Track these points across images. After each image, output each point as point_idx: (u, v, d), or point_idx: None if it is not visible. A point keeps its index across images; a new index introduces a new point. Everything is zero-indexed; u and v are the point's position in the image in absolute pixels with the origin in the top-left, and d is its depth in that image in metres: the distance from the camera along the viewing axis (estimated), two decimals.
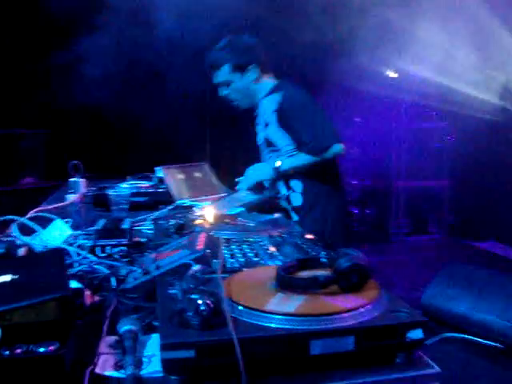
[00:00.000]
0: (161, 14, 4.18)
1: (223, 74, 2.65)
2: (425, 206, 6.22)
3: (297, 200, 2.64)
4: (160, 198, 2.74)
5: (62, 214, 2.51)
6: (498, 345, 1.33)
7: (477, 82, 5.51)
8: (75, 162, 2.98)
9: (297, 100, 2.56)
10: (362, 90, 5.44)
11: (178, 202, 2.69)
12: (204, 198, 2.85)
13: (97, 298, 1.28)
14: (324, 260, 1.24)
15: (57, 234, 1.74)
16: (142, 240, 1.86)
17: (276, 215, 2.00)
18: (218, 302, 0.98)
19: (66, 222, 1.87)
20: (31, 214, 2.60)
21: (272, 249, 1.48)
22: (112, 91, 4.91)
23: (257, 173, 2.64)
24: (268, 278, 1.19)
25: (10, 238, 1.76)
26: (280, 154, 2.62)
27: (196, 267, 1.20)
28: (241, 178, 2.73)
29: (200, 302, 0.96)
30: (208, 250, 1.35)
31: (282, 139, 2.61)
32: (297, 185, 2.63)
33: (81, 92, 4.98)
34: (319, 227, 2.49)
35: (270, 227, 1.76)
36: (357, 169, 6.40)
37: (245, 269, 1.28)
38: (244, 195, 2.49)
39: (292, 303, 1.07)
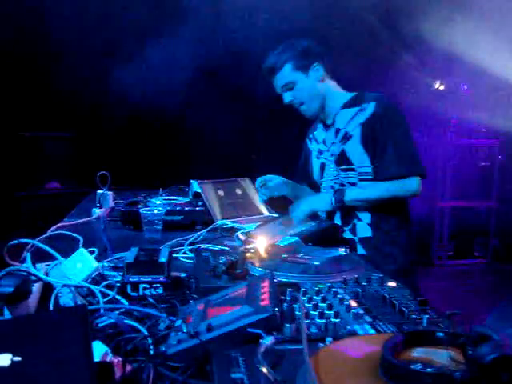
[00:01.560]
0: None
1: (285, 75, 2.31)
2: (470, 228, 5.80)
3: (365, 231, 2.27)
4: (197, 218, 2.43)
5: (86, 231, 2.23)
6: None
7: None
8: (103, 172, 2.70)
9: (391, 113, 2.20)
10: (407, 101, 5.08)
11: (218, 222, 2.37)
12: (246, 218, 2.53)
13: (129, 368, 0.96)
14: (440, 334, 0.90)
15: (80, 266, 1.42)
16: (182, 275, 1.54)
17: (341, 250, 1.66)
18: None
19: (92, 253, 1.55)
20: (52, 230, 2.32)
21: (353, 304, 1.14)
22: (146, 97, 4.65)
23: (312, 202, 2.28)
24: (367, 359, 0.86)
25: (22, 268, 1.45)
26: (353, 175, 2.27)
27: (269, 340, 0.87)
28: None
29: None
30: (276, 308, 1.02)
31: (360, 157, 2.24)
32: (364, 214, 2.28)
33: (114, 96, 4.74)
34: (390, 263, 2.15)
35: (339, 268, 1.43)
36: None
37: (328, 339, 0.94)
38: (296, 222, 2.15)
39: None
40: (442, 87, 5.60)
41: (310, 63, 2.31)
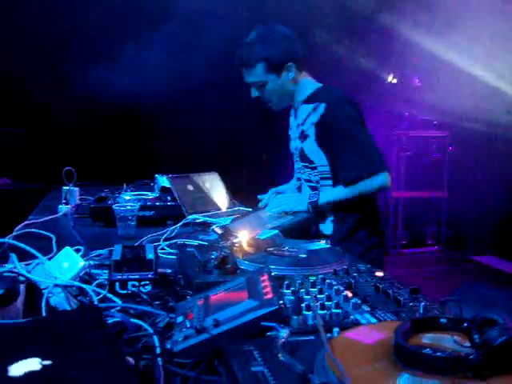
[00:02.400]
0: None
1: (257, 74, 2.26)
2: (423, 217, 5.99)
3: (328, 228, 2.32)
4: (168, 213, 2.41)
5: (54, 228, 2.18)
6: None
7: (482, 93, 5.31)
8: (69, 168, 2.64)
9: (342, 117, 2.19)
10: (362, 94, 5.18)
11: (189, 217, 2.37)
12: (216, 212, 2.53)
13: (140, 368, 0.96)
14: (443, 321, 0.94)
15: (66, 265, 1.40)
16: (168, 271, 1.54)
17: (322, 242, 1.69)
18: None
19: (78, 251, 1.53)
20: (19, 228, 2.26)
21: (349, 294, 1.17)
22: (100, 84, 4.54)
23: (290, 203, 2.28)
24: (380, 346, 0.89)
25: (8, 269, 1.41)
26: (315, 173, 2.30)
27: (285, 332, 0.88)
28: (264, 196, 2.42)
29: None
30: (281, 301, 1.04)
31: (318, 157, 2.27)
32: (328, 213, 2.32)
33: (64, 86, 4.62)
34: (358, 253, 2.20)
35: (327, 259, 1.46)
36: None
37: (336, 329, 0.97)
38: (271, 215, 2.17)
39: None
40: (394, 80, 5.73)
41: (284, 63, 2.26)
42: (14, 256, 1.37)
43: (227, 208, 2.63)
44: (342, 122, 2.18)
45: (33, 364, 0.69)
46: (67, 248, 1.46)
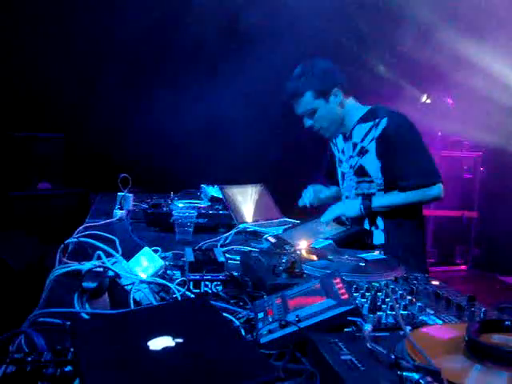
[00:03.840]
0: None
1: (306, 102, 2.44)
2: (452, 236, 6.03)
3: (379, 238, 2.43)
4: (221, 221, 2.54)
5: (110, 232, 2.32)
6: None
7: None
8: (125, 175, 2.79)
9: (404, 129, 2.35)
10: None
11: (241, 226, 2.50)
12: (264, 222, 2.66)
13: None
14: (508, 323, 1.04)
15: (146, 264, 1.53)
16: (235, 274, 1.66)
17: (376, 252, 1.80)
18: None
19: (156, 252, 1.66)
20: (80, 230, 2.40)
21: (413, 299, 1.28)
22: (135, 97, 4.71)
23: (342, 207, 2.42)
24: (452, 341, 1.00)
25: (78, 266, 1.54)
26: (372, 186, 2.43)
27: (368, 327, 1.00)
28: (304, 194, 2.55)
29: None
30: (356, 301, 1.15)
31: (375, 170, 2.41)
32: (378, 221, 2.44)
33: (104, 97, 4.79)
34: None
35: (386, 268, 1.57)
36: None
37: (408, 327, 1.08)
38: (324, 226, 2.29)
39: (497, 381, 0.88)
40: (428, 101, 5.83)
41: (330, 88, 2.44)
42: (101, 253, 1.50)
43: (274, 219, 2.75)
44: (404, 134, 2.34)
45: (167, 341, 0.81)
46: (146, 248, 1.59)
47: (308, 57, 2.54)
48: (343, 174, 2.61)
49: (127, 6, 4.68)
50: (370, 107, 2.53)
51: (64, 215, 4.82)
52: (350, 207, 2.40)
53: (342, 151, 2.61)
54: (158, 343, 0.81)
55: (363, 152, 2.45)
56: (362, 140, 2.45)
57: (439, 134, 5.79)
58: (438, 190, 2.33)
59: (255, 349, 0.82)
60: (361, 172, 2.46)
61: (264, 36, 4.89)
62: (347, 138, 2.56)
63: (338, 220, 2.34)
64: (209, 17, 4.88)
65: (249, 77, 4.68)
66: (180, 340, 0.81)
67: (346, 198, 2.60)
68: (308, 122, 2.51)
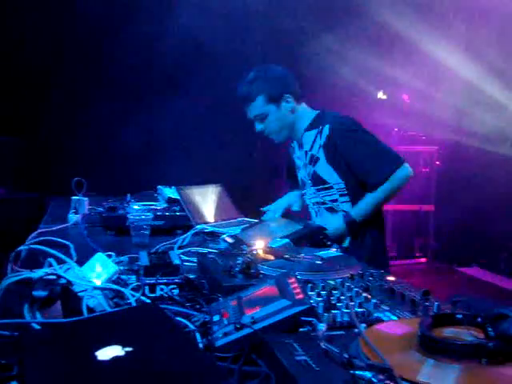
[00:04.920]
0: None
1: (257, 106, 2.46)
2: (410, 230, 6.14)
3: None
4: (178, 222, 2.51)
5: (65, 237, 2.26)
6: None
7: (468, 108, 5.52)
8: (79, 178, 2.73)
9: (348, 131, 2.38)
10: (351, 111, 5.32)
11: (198, 227, 2.47)
12: (223, 222, 2.64)
13: None
14: (460, 316, 1.05)
15: (99, 269, 1.49)
16: (191, 276, 1.64)
17: (333, 250, 1.81)
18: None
19: (109, 257, 1.62)
20: (33, 237, 2.34)
21: (369, 296, 1.28)
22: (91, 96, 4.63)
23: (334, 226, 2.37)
24: (406, 337, 1.00)
25: (30, 274, 1.49)
26: (331, 193, 2.44)
27: (322, 326, 0.99)
28: (269, 208, 2.53)
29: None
30: (312, 301, 1.15)
31: (332, 176, 2.43)
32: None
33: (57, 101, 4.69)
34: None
35: (342, 265, 1.57)
36: None
37: (362, 325, 1.08)
38: (280, 224, 2.28)
39: (451, 375, 0.89)
40: (384, 97, 5.90)
41: (282, 94, 2.46)
42: (53, 260, 1.46)
43: (233, 219, 2.73)
44: (350, 135, 2.37)
45: (116, 350, 0.79)
46: (100, 253, 1.55)
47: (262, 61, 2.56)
48: (303, 182, 2.62)
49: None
50: (316, 112, 2.55)
51: (18, 221, 4.68)
52: (336, 229, 2.38)
53: (299, 158, 2.63)
54: (108, 353, 0.79)
55: (314, 160, 2.47)
56: (311, 148, 2.49)
57: (395, 129, 5.88)
58: (406, 169, 2.35)
59: (206, 355, 0.80)
60: (317, 180, 2.48)
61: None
62: (300, 145, 2.58)
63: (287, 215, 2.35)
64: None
65: (205, 80, 4.67)
66: (129, 349, 0.79)
67: (316, 204, 2.59)
68: (259, 127, 2.52)
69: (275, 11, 5.16)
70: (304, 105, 2.57)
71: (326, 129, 2.40)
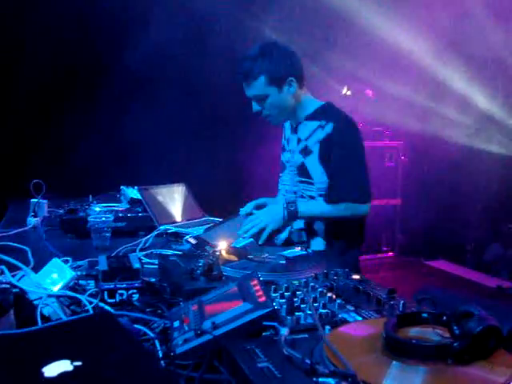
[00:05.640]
0: None
1: (258, 86, 2.30)
2: (377, 224, 6.16)
3: (319, 245, 2.39)
4: (140, 224, 2.45)
5: (23, 241, 2.18)
6: None
7: (433, 102, 5.58)
8: (37, 180, 2.64)
9: (348, 138, 2.30)
10: None
11: (161, 227, 2.41)
12: (186, 223, 2.59)
13: None
14: (425, 315, 1.03)
15: (55, 276, 1.43)
16: (152, 280, 1.58)
17: (297, 249, 1.78)
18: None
19: (66, 262, 1.56)
20: None
21: (333, 296, 1.26)
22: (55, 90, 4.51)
23: (264, 220, 2.22)
24: (370, 338, 0.98)
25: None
26: (311, 189, 2.37)
27: (284, 331, 0.96)
28: (244, 210, 2.39)
29: None
30: (274, 303, 1.12)
31: (318, 174, 2.34)
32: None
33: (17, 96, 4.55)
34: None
35: (306, 264, 1.54)
36: None
37: (327, 327, 1.05)
38: (243, 224, 2.23)
39: (417, 377, 0.87)
40: (348, 93, 5.91)
41: (286, 76, 2.31)
42: (4, 268, 1.39)
43: (197, 218, 2.68)
44: (346, 145, 2.28)
45: (64, 365, 0.74)
46: (55, 259, 1.49)
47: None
48: (283, 165, 2.55)
49: None
50: (322, 104, 2.43)
51: None
52: (274, 218, 2.24)
53: (288, 140, 2.54)
54: (55, 369, 0.73)
55: (307, 152, 2.37)
56: (307, 138, 2.38)
57: (360, 125, 5.89)
58: (364, 209, 2.30)
59: (162, 369, 0.75)
60: (303, 172, 2.39)
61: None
62: (294, 129, 2.48)
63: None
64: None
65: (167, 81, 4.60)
66: (79, 363, 0.74)
67: (285, 192, 2.53)
68: (256, 107, 2.38)
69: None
70: (307, 92, 2.44)
71: (330, 127, 2.29)
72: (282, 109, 2.38)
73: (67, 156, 4.68)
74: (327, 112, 2.37)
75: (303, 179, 2.40)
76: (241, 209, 2.41)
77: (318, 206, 2.33)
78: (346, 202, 2.27)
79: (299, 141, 2.43)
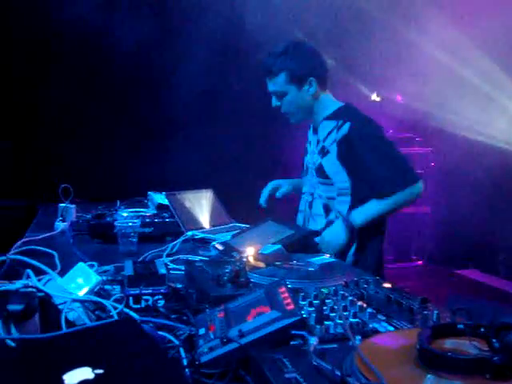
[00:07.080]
0: None
1: (278, 82, 2.34)
2: (406, 233, 6.06)
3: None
4: (167, 229, 2.44)
5: (52, 245, 2.19)
6: None
7: (463, 109, 5.46)
8: (66, 185, 2.66)
9: (367, 135, 2.27)
10: None
11: (189, 233, 2.40)
12: (213, 229, 2.57)
13: None
14: (461, 327, 0.99)
15: (81, 280, 1.42)
16: (178, 286, 1.56)
17: (326, 256, 1.74)
18: None
19: (92, 267, 1.55)
20: (18, 246, 2.26)
21: (364, 305, 1.21)
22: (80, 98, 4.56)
23: (334, 240, 2.22)
24: (403, 350, 0.93)
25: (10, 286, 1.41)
26: (331, 190, 2.35)
27: (313, 341, 0.92)
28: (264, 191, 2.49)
29: None
30: (303, 312, 1.08)
31: (337, 173, 2.32)
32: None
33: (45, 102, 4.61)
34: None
35: (336, 272, 1.50)
36: None
37: (358, 337, 1.01)
38: (271, 229, 2.20)
39: None
40: (378, 98, 5.85)
41: (306, 76, 2.33)
42: (30, 272, 1.39)
43: (224, 224, 2.66)
44: (368, 140, 2.26)
45: (86, 373, 0.71)
46: (81, 263, 1.48)
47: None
48: (307, 167, 2.55)
49: None
50: (340, 105, 2.43)
51: (4, 230, 4.58)
52: (340, 234, 2.23)
53: (310, 142, 2.55)
54: (76, 376, 0.71)
55: (324, 152, 2.37)
56: (325, 139, 2.37)
57: (390, 131, 5.82)
58: (420, 185, 2.27)
59: (184, 375, 0.73)
60: (320, 172, 2.38)
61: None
62: (315, 130, 2.49)
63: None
64: None
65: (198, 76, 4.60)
66: (100, 371, 0.72)
67: (310, 195, 2.50)
68: (275, 103, 2.41)
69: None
70: (329, 93, 2.44)
71: (346, 127, 2.28)
72: (299, 107, 2.40)
73: (96, 161, 4.72)
74: (344, 112, 2.37)
75: (322, 180, 2.39)
76: (260, 199, 2.51)
77: (372, 208, 2.29)
78: (399, 191, 2.23)
79: (318, 142, 2.43)
